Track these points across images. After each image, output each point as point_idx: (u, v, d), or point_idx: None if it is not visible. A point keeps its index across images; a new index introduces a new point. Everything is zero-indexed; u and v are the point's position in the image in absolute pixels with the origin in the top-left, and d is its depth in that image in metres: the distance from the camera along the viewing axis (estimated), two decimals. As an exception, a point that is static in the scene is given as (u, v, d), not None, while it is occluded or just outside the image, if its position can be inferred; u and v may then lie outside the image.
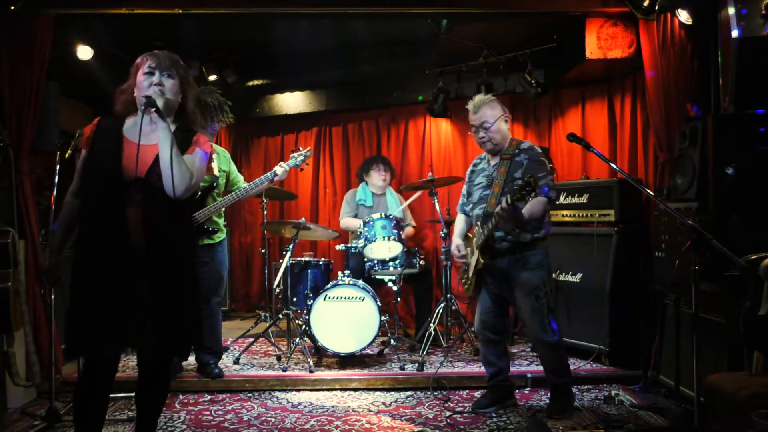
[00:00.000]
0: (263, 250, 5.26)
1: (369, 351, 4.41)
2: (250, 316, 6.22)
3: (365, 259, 4.53)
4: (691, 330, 2.91)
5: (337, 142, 6.33)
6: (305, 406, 3.56)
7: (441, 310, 4.55)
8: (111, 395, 2.48)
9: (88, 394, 2.34)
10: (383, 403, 3.62)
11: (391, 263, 4.46)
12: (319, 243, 6.17)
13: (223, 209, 3.93)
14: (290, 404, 3.61)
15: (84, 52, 4.34)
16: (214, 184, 3.86)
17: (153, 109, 2.25)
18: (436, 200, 4.45)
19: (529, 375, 3.89)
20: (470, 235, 3.45)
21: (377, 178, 5.15)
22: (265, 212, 4.95)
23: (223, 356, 4.27)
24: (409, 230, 5.15)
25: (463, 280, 3.52)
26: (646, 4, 3.84)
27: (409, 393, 3.80)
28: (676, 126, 3.78)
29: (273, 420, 3.34)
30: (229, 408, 3.55)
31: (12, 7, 3.69)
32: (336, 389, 3.87)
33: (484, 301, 3.41)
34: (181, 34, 4.48)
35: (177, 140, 2.29)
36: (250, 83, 5.94)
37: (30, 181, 3.78)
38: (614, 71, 4.77)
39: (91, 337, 2.24)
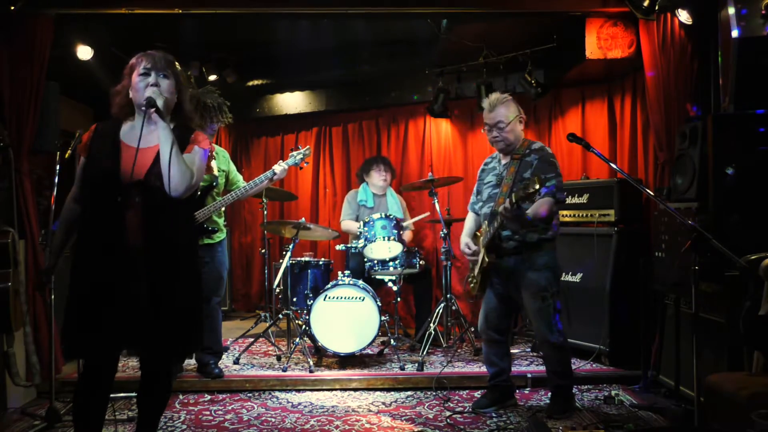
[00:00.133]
0: (263, 250, 5.26)
1: (369, 351, 4.41)
2: (250, 316, 6.22)
3: (365, 259, 4.53)
4: (691, 330, 2.91)
5: (337, 142, 6.33)
6: (305, 406, 3.56)
7: (441, 310, 4.55)
8: (111, 395, 2.48)
9: (88, 394, 2.34)
10: (383, 403, 3.62)
11: (391, 263, 4.46)
12: (319, 243, 6.17)
13: (223, 209, 3.93)
14: (290, 404, 3.61)
15: (84, 52, 4.34)
16: (214, 183, 3.86)
17: (153, 110, 2.25)
18: (436, 200, 4.45)
19: (529, 375, 3.89)
20: (478, 234, 3.45)
21: (378, 178, 5.14)
22: (265, 212, 4.95)
23: (223, 356, 4.27)
24: (407, 234, 5.14)
25: (469, 279, 3.51)
26: (646, 4, 3.84)
27: (409, 393, 3.80)
28: (676, 126, 3.78)
29: (273, 420, 3.34)
30: (229, 408, 3.55)
31: (12, 7, 3.69)
32: (336, 389, 3.87)
33: (489, 301, 3.40)
34: (181, 34, 4.48)
35: (175, 139, 2.28)
36: (250, 83, 5.94)
37: (30, 181, 3.78)
38: (614, 71, 4.76)
39: (87, 340, 2.25)
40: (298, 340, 4.29)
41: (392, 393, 3.81)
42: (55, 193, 3.38)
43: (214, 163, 3.89)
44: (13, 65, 3.72)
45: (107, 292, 2.21)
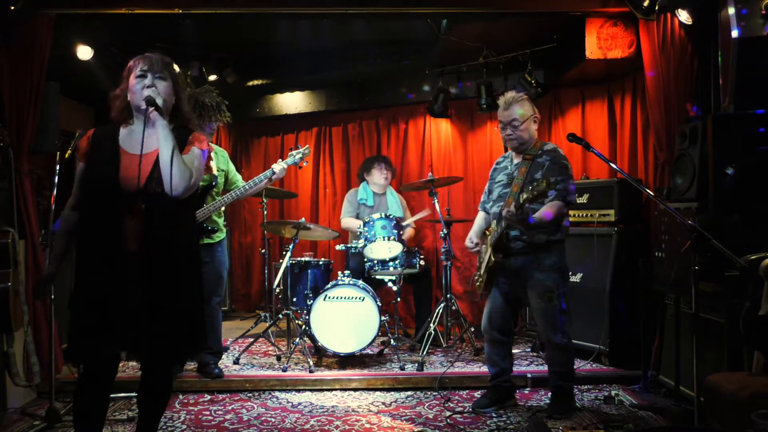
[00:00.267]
0: (263, 250, 5.26)
1: (369, 351, 4.41)
2: (250, 316, 6.23)
3: (365, 259, 4.53)
4: (691, 330, 2.91)
5: (337, 142, 6.32)
6: (305, 406, 3.56)
7: (441, 310, 4.55)
8: (111, 395, 2.48)
9: (88, 394, 2.34)
10: (383, 403, 3.62)
11: (391, 263, 4.46)
12: (319, 243, 6.17)
13: (223, 209, 3.94)
14: (290, 404, 3.61)
15: (84, 52, 4.34)
16: (213, 183, 3.86)
17: (152, 109, 2.24)
18: (436, 200, 4.45)
19: (529, 375, 3.89)
20: (487, 232, 3.44)
21: (379, 176, 5.15)
22: (265, 212, 4.95)
23: (223, 356, 4.27)
24: (409, 231, 5.15)
25: (476, 277, 3.51)
26: (646, 4, 3.84)
27: (409, 393, 3.80)
28: (676, 126, 3.78)
29: (273, 420, 3.34)
30: (229, 408, 3.55)
31: (12, 7, 3.69)
32: (336, 389, 3.87)
33: (495, 300, 3.40)
34: (181, 34, 4.48)
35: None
36: (250, 83, 5.94)
37: (30, 181, 3.78)
38: (614, 71, 4.76)
39: (88, 345, 2.25)
40: (298, 340, 4.29)
41: (392, 393, 3.81)
42: (55, 193, 3.38)
43: (213, 163, 3.89)
44: (13, 65, 3.71)
45: (107, 298, 2.21)
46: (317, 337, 4.18)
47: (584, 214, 4.33)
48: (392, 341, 4.40)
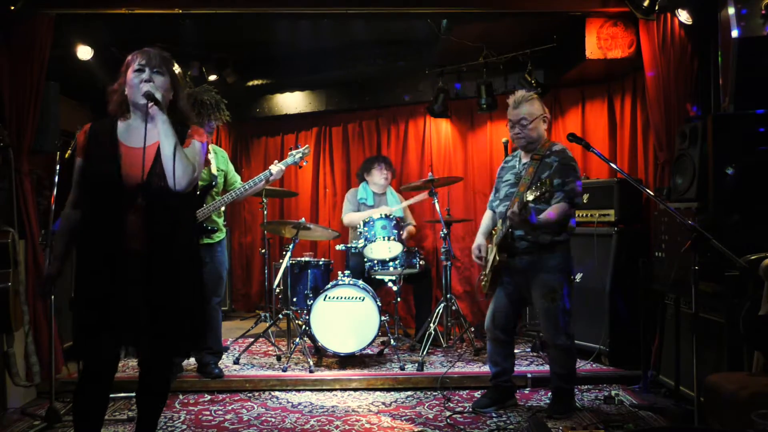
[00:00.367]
0: (263, 250, 5.26)
1: (369, 351, 4.41)
2: (250, 316, 6.23)
3: (365, 259, 4.53)
4: (691, 330, 2.91)
5: (337, 142, 6.32)
6: (305, 406, 3.56)
7: (441, 310, 4.55)
8: (111, 395, 2.48)
9: (88, 394, 2.34)
10: (383, 403, 3.62)
11: (391, 263, 4.46)
12: (319, 243, 6.17)
13: (223, 209, 3.94)
14: (290, 404, 3.61)
15: (84, 52, 4.34)
16: (213, 183, 3.87)
17: (151, 103, 2.24)
18: (436, 200, 4.45)
19: (529, 375, 3.89)
20: (494, 232, 3.43)
21: (379, 176, 5.15)
22: (265, 212, 4.95)
23: (223, 356, 4.27)
24: (410, 229, 5.15)
25: (482, 276, 3.50)
26: (646, 4, 3.84)
27: (409, 393, 3.80)
28: (676, 126, 3.78)
29: (273, 420, 3.34)
30: (229, 408, 3.55)
31: (12, 7, 3.69)
32: (336, 389, 3.87)
33: (498, 300, 3.39)
34: (181, 34, 4.48)
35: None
36: (250, 83, 5.94)
37: (30, 181, 3.78)
38: (614, 71, 4.76)
39: (90, 344, 2.25)
40: (298, 340, 4.29)
41: (392, 393, 3.81)
42: (55, 193, 3.38)
43: (211, 157, 3.91)
44: (13, 65, 3.71)
45: (108, 297, 2.21)
46: (317, 337, 4.18)
47: (584, 214, 4.33)
48: (392, 341, 4.39)
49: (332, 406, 3.56)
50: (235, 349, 4.73)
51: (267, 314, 5.14)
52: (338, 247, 4.78)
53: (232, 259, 6.27)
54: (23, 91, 3.71)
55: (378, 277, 4.59)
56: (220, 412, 3.47)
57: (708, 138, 3.29)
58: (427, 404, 3.59)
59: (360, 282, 4.26)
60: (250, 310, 6.49)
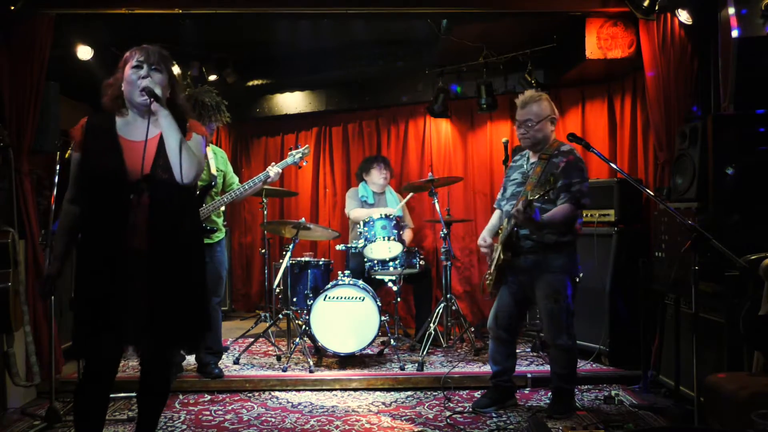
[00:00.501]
0: (263, 250, 5.26)
1: (369, 351, 4.41)
2: (250, 316, 6.23)
3: (365, 259, 4.53)
4: (691, 330, 2.91)
5: (337, 142, 6.33)
6: (305, 406, 3.56)
7: (441, 310, 4.55)
8: (111, 395, 2.47)
9: (89, 394, 2.34)
10: (383, 403, 3.62)
11: (391, 263, 4.46)
12: (319, 243, 6.17)
13: (222, 209, 3.95)
14: (290, 404, 3.61)
15: (84, 52, 4.34)
16: (213, 183, 3.87)
17: (151, 99, 2.23)
18: (436, 200, 4.45)
19: (529, 375, 3.89)
20: (500, 231, 3.43)
21: (378, 176, 5.15)
22: (265, 212, 4.96)
23: (223, 356, 4.27)
24: (407, 233, 5.15)
25: (486, 275, 3.50)
26: (646, 4, 3.84)
27: (409, 393, 3.80)
28: (676, 126, 3.78)
29: (273, 420, 3.34)
30: (229, 408, 3.55)
31: (12, 7, 3.69)
32: (336, 389, 3.87)
33: (502, 299, 3.39)
34: (181, 34, 4.48)
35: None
36: (250, 83, 5.94)
37: (30, 181, 3.78)
38: (614, 71, 4.76)
39: (89, 342, 2.24)
40: (298, 340, 4.29)
41: (392, 393, 3.81)
42: (55, 193, 3.38)
43: (210, 158, 3.92)
44: (13, 65, 3.71)
45: (110, 296, 2.20)
46: (317, 337, 4.18)
47: (584, 214, 4.31)
48: (392, 341, 4.40)
49: (332, 406, 3.56)
50: (235, 349, 4.73)
51: (267, 314, 5.15)
52: (338, 247, 4.78)
53: (232, 259, 6.27)
54: (23, 91, 3.71)
55: (378, 277, 4.59)
56: (220, 412, 3.47)
57: (708, 138, 3.29)
58: (427, 404, 3.59)
59: (360, 282, 4.26)
60: (250, 310, 6.49)
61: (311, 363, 4.11)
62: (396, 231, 4.46)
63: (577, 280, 3.29)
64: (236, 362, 4.30)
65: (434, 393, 3.77)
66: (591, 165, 5.06)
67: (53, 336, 3.57)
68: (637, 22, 4.01)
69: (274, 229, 4.97)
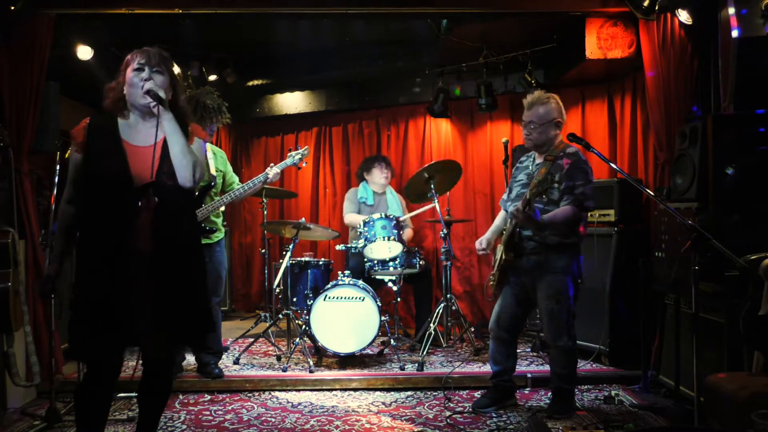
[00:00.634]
0: (263, 250, 5.26)
1: (369, 351, 4.40)
2: (250, 316, 6.23)
3: (365, 259, 4.53)
4: (691, 330, 2.91)
5: (337, 142, 6.33)
6: (305, 406, 3.56)
7: (441, 310, 4.55)
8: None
9: (91, 395, 2.33)
10: (383, 403, 3.62)
11: (391, 263, 4.46)
12: (319, 243, 6.17)
13: (222, 209, 3.95)
14: (290, 404, 3.61)
15: (84, 52, 4.34)
16: (212, 183, 3.87)
17: (154, 103, 2.23)
18: (436, 200, 4.45)
19: (529, 375, 3.89)
20: (504, 231, 3.43)
21: (379, 176, 5.15)
22: (265, 212, 4.95)
23: (223, 356, 4.27)
24: (408, 232, 5.15)
25: (490, 277, 3.49)
26: (646, 4, 3.84)
27: (409, 393, 3.80)
28: (676, 126, 3.78)
29: (273, 420, 3.34)
30: (229, 408, 3.55)
31: (12, 7, 3.69)
32: (336, 389, 3.87)
33: (505, 299, 3.39)
34: (181, 34, 4.48)
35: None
36: (250, 83, 5.94)
37: (30, 181, 3.78)
38: (614, 71, 4.76)
39: (92, 344, 2.24)
40: (298, 340, 4.29)
41: (392, 393, 3.81)
42: (55, 193, 3.38)
43: (210, 158, 3.92)
44: (13, 65, 3.71)
45: (115, 297, 2.20)
46: (317, 337, 4.18)
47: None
48: (392, 341, 4.40)
49: (332, 406, 3.56)
50: (235, 349, 4.73)
51: (267, 314, 5.15)
52: (338, 247, 4.78)
53: (232, 259, 6.28)
54: (23, 91, 3.71)
55: (378, 277, 4.59)
56: (220, 412, 3.47)
57: (708, 138, 3.29)
58: (427, 404, 3.59)
59: (360, 282, 4.26)
60: (250, 310, 6.49)
61: (311, 363, 4.11)
62: (396, 231, 4.46)
63: (580, 281, 3.28)
64: (236, 362, 4.30)
65: (434, 393, 3.77)
66: (591, 165, 5.05)
67: (53, 336, 3.57)
68: (637, 22, 4.01)
69: (274, 229, 4.97)
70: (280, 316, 4.55)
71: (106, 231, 2.24)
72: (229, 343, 4.83)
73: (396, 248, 4.41)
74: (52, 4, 3.83)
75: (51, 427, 3.22)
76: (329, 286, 4.27)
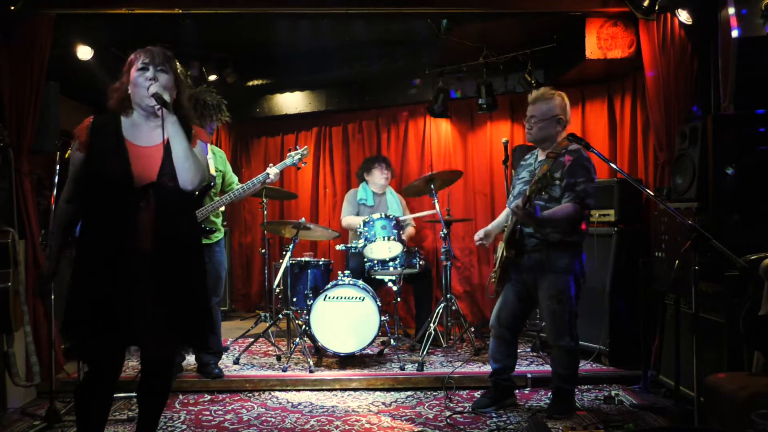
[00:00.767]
0: (263, 250, 5.26)
1: (369, 351, 4.41)
2: (250, 316, 6.23)
3: (365, 259, 4.53)
4: (691, 330, 2.91)
5: (337, 142, 6.33)
6: (305, 406, 3.56)
7: (441, 310, 4.55)
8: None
9: (92, 395, 2.33)
10: (383, 403, 3.62)
11: (391, 263, 4.46)
12: (319, 243, 6.17)
13: (222, 209, 3.95)
14: (290, 404, 3.61)
15: (84, 52, 4.34)
16: (212, 183, 3.87)
17: (159, 106, 2.23)
18: (436, 200, 4.45)
19: (529, 375, 3.89)
20: (505, 228, 3.42)
21: (380, 176, 5.15)
22: (265, 212, 4.96)
23: (223, 356, 4.27)
24: (410, 230, 5.15)
25: (492, 274, 3.48)
26: (646, 4, 3.84)
27: (409, 393, 3.80)
28: (676, 126, 3.78)
29: (273, 420, 3.34)
30: (229, 408, 3.55)
31: (12, 7, 3.69)
32: (336, 389, 3.87)
33: (506, 297, 3.38)
34: (181, 34, 4.48)
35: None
36: (250, 83, 5.94)
37: (30, 181, 3.78)
38: (614, 71, 4.76)
39: (93, 344, 2.23)
40: (298, 340, 4.29)
41: (392, 393, 3.81)
42: (55, 193, 3.38)
43: (209, 158, 3.92)
44: (13, 65, 3.71)
45: (113, 296, 2.20)
46: (317, 337, 4.18)
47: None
48: (392, 341, 4.40)
49: (332, 406, 3.56)
50: (235, 349, 4.73)
51: (267, 314, 5.15)
52: (338, 247, 4.79)
53: (232, 259, 6.28)
54: (23, 91, 3.71)
55: (378, 277, 4.59)
56: (220, 412, 3.47)
57: (708, 138, 3.29)
58: (427, 404, 3.59)
59: (360, 282, 4.26)
60: (250, 310, 6.49)
61: (311, 363, 4.11)
62: (396, 231, 4.46)
63: (582, 281, 3.28)
64: (236, 362, 4.30)
65: (434, 393, 3.77)
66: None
67: (53, 336, 3.57)
68: (637, 22, 4.01)
69: (274, 229, 4.97)
70: (280, 316, 4.55)
71: (107, 231, 2.24)
72: (229, 343, 4.83)
73: (396, 248, 4.41)
74: (52, 4, 3.83)
75: (51, 427, 3.22)
76: (329, 286, 4.27)
